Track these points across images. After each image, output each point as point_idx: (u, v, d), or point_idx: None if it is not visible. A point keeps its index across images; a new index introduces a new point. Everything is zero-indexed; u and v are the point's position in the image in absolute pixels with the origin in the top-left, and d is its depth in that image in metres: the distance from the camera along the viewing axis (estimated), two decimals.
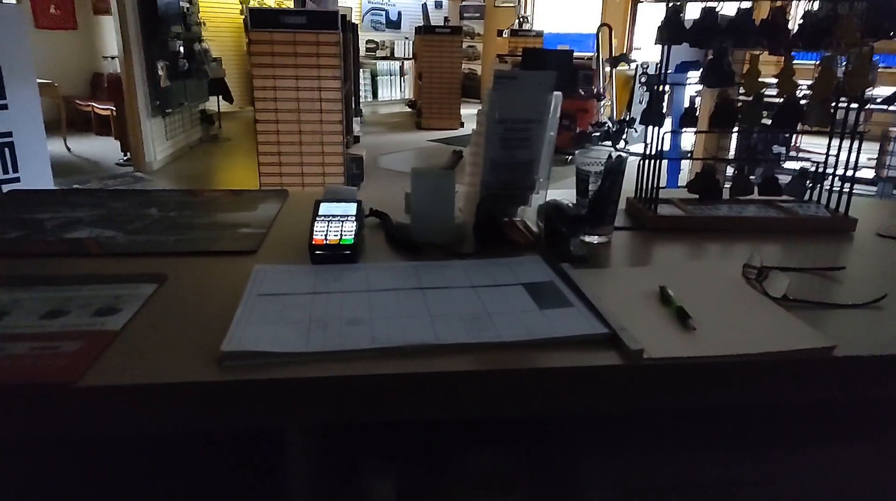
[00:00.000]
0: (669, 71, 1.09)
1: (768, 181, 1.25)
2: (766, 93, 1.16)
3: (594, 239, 1.04)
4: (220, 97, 7.65)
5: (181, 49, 6.30)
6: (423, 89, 8.64)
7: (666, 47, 1.08)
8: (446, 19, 10.48)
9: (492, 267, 0.90)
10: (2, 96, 3.04)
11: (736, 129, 1.17)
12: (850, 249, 1.08)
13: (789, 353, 0.69)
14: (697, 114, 1.20)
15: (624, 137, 7.07)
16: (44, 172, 3.30)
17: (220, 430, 0.73)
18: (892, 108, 4.21)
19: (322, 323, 0.71)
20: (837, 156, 1.17)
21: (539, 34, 9.54)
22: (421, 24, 8.99)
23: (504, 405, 0.67)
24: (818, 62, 1.12)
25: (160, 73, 5.83)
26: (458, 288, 0.83)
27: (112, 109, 6.23)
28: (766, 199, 1.26)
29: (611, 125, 7.12)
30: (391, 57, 10.56)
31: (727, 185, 1.27)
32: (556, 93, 1.01)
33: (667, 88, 1.30)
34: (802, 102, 1.15)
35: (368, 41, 10.22)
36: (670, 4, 1.07)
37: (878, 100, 4.21)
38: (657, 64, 1.11)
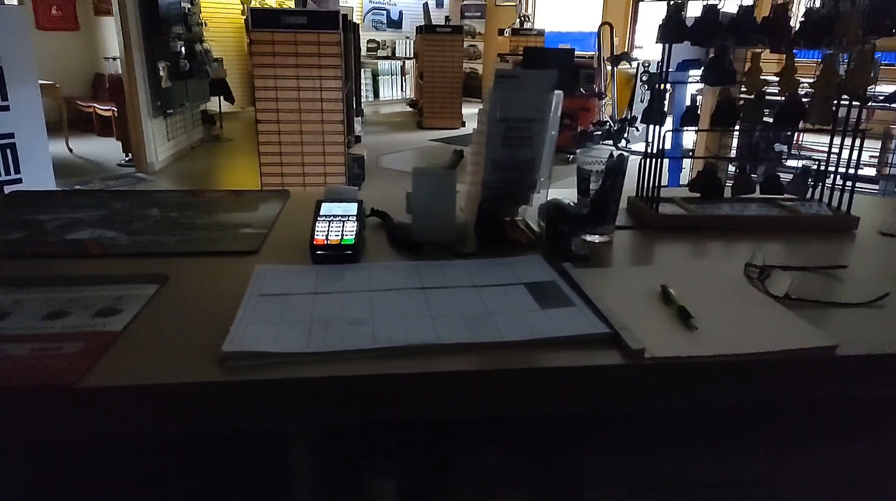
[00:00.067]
0: (671, 69, 1.09)
1: (770, 180, 1.25)
2: (767, 91, 1.16)
3: (596, 238, 1.04)
4: (222, 97, 7.65)
5: (182, 49, 6.30)
6: (424, 89, 8.64)
7: (667, 46, 1.08)
8: (447, 18, 10.47)
9: (493, 267, 0.90)
10: (3, 97, 3.05)
11: (737, 127, 1.17)
12: (853, 247, 1.08)
13: (791, 352, 0.68)
14: (699, 112, 1.19)
15: (625, 135, 7.07)
16: (45, 174, 3.31)
17: (222, 431, 0.73)
18: (893, 106, 4.20)
19: (323, 323, 0.71)
20: (839, 154, 1.16)
21: (540, 33, 9.53)
22: (422, 24, 8.99)
23: (506, 404, 0.67)
24: (820, 60, 1.12)
25: (161, 73, 5.84)
26: (460, 288, 0.83)
27: (113, 110, 6.24)
28: (767, 197, 1.26)
29: (612, 124, 7.12)
30: (392, 56, 10.56)
31: (729, 183, 1.27)
32: (557, 92, 1.01)
33: (668, 86, 1.30)
34: (804, 100, 1.15)
35: (369, 41, 10.22)
36: (671, 2, 1.07)
37: (880, 98, 4.20)
38: (658, 62, 1.11)
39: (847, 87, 1.11)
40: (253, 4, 8.79)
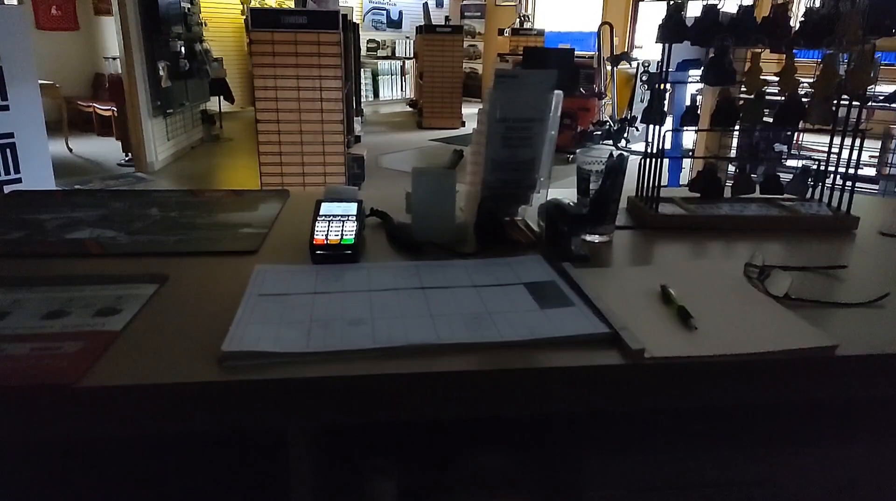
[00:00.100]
0: (671, 69, 1.09)
1: (770, 180, 1.25)
2: (767, 91, 1.15)
3: (595, 238, 1.04)
4: (222, 97, 7.65)
5: (182, 49, 6.30)
6: (424, 89, 8.64)
7: (667, 45, 1.08)
8: (447, 18, 10.47)
9: (493, 267, 0.90)
10: (3, 97, 3.05)
11: (737, 127, 1.17)
12: (852, 247, 1.08)
13: (791, 352, 0.68)
14: (699, 112, 1.19)
15: (625, 135, 7.06)
16: (45, 173, 3.30)
17: (222, 430, 0.73)
18: (893, 106, 4.20)
19: (323, 323, 0.71)
20: (839, 154, 1.16)
21: (540, 33, 9.54)
22: (422, 24, 8.99)
23: (505, 404, 0.67)
24: (820, 60, 1.12)
25: (161, 73, 5.83)
26: (460, 288, 0.83)
27: (113, 110, 6.24)
28: (767, 197, 1.26)
29: (612, 124, 7.12)
30: (392, 56, 10.55)
31: (729, 183, 1.27)
32: (557, 92, 1.01)
33: (668, 86, 1.30)
34: (804, 100, 1.15)
35: (369, 41, 10.22)
36: (671, 2, 1.07)
37: (880, 98, 4.20)
38: (658, 62, 1.11)
39: (847, 87, 1.11)
40: (253, 4, 8.79)
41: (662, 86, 1.13)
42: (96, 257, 0.92)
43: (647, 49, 9.74)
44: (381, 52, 10.45)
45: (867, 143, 1.21)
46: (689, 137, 4.60)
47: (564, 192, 1.08)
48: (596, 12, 10.20)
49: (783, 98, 1.16)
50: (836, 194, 1.18)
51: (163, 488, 0.81)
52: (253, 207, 1.19)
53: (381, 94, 10.46)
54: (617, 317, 0.73)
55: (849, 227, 1.15)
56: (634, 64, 7.75)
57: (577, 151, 1.08)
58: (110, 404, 0.60)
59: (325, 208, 0.96)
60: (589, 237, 1.04)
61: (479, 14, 11.74)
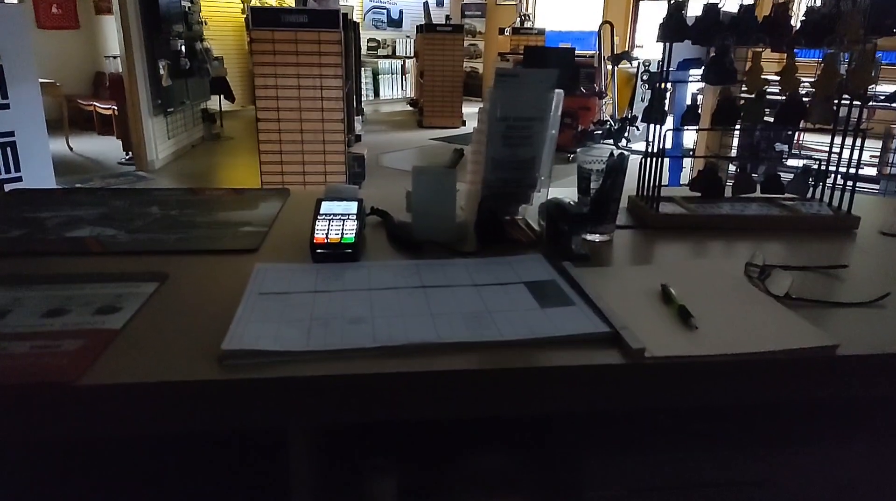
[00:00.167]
0: (671, 68, 1.09)
1: (771, 179, 1.24)
2: (768, 90, 1.15)
3: (596, 237, 1.04)
4: (222, 96, 7.65)
5: (183, 48, 6.30)
6: (424, 88, 8.64)
7: (668, 45, 1.08)
8: (448, 17, 10.46)
9: (493, 266, 0.90)
10: (4, 96, 3.05)
11: (738, 126, 1.17)
12: (853, 247, 1.08)
13: (791, 352, 0.68)
14: (699, 111, 1.19)
15: (626, 135, 7.06)
16: (46, 172, 3.31)
17: (222, 430, 0.73)
18: (894, 105, 4.20)
19: (323, 322, 0.71)
20: (840, 154, 1.16)
21: (541, 32, 9.53)
22: (422, 23, 8.98)
23: (505, 404, 0.67)
24: (821, 59, 1.12)
25: (162, 72, 5.83)
26: (460, 287, 0.82)
27: (114, 108, 6.24)
28: (768, 197, 1.26)
29: (612, 123, 7.11)
30: (393, 55, 10.55)
31: (729, 183, 1.27)
32: (557, 91, 1.00)
33: (669, 85, 1.30)
34: (805, 99, 1.15)
35: (370, 40, 10.22)
36: (672, 1, 1.07)
37: (881, 97, 4.20)
38: (659, 61, 1.11)
39: (848, 86, 1.11)
40: (253, 3, 8.78)
41: (663, 85, 1.13)
42: (96, 256, 0.92)
43: (648, 48, 9.74)
44: (381, 52, 10.44)
45: (868, 142, 1.21)
46: (689, 137, 4.60)
47: (565, 191, 1.07)
48: (596, 11, 10.19)
49: (784, 97, 1.16)
50: (837, 193, 1.18)
51: (163, 488, 0.80)
52: (253, 205, 1.19)
53: (381, 93, 10.46)
54: (617, 316, 0.73)
55: (850, 226, 1.15)
56: (635, 63, 7.74)
57: (578, 150, 1.08)
58: (110, 402, 0.60)
59: (326, 206, 0.96)
60: (589, 237, 1.04)
61: (479, 13, 11.73)
